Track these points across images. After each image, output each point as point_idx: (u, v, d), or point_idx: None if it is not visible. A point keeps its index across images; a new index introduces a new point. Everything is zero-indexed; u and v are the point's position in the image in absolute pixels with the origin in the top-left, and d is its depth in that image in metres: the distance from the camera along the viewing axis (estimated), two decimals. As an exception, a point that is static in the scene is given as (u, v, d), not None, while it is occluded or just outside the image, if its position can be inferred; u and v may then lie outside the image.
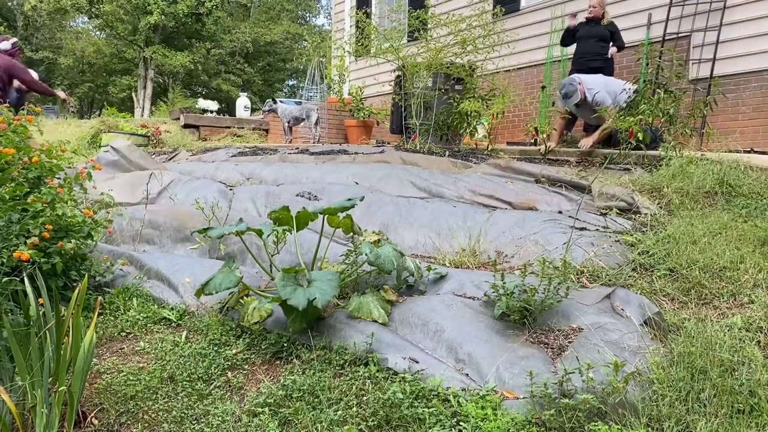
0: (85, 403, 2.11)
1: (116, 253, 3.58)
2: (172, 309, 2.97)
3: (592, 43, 6.49)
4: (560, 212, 4.11)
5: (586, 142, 5.73)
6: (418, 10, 7.37)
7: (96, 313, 2.22)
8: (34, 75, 6.69)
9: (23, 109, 3.45)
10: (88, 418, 2.04)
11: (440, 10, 8.55)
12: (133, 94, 25.51)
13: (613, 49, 6.50)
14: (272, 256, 3.14)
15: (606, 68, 6.36)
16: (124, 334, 2.75)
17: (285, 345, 2.48)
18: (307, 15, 39.70)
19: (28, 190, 2.93)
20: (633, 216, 4.00)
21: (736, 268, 2.90)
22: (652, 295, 2.80)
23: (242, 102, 14.98)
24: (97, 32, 29.97)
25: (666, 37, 6.67)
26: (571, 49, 6.88)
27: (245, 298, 2.80)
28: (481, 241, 3.60)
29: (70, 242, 2.86)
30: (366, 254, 2.65)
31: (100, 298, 2.62)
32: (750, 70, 6.15)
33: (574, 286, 2.76)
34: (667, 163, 4.95)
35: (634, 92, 5.58)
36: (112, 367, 2.40)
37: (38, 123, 3.62)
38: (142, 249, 4.01)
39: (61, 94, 7.80)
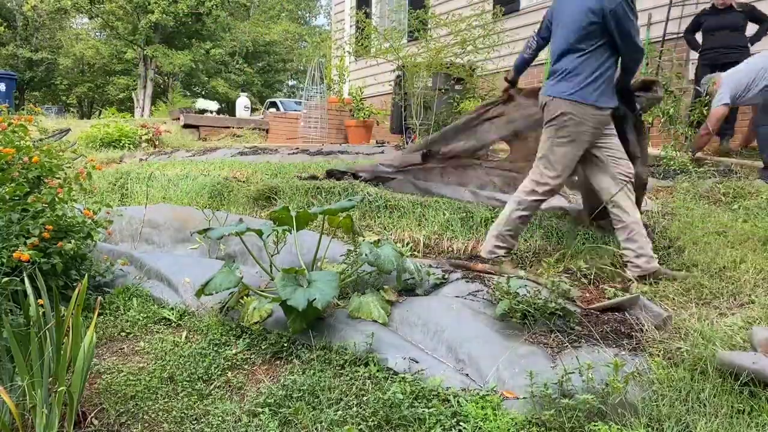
0: (85, 403, 2.11)
1: (116, 253, 3.58)
2: (172, 309, 2.97)
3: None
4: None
5: None
6: (418, 10, 7.38)
7: (96, 313, 2.22)
8: None
9: (23, 109, 3.45)
10: (88, 418, 2.03)
11: (440, 10, 8.55)
12: (133, 94, 25.47)
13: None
14: (272, 256, 3.14)
15: None
16: (124, 334, 2.75)
17: (285, 345, 2.47)
18: (307, 15, 39.71)
19: (28, 190, 2.93)
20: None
21: (737, 268, 2.90)
22: (653, 295, 2.80)
23: (242, 102, 14.97)
24: (97, 33, 29.96)
25: (666, 37, 6.67)
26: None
27: (245, 298, 2.80)
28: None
29: (70, 242, 2.85)
30: (366, 254, 2.65)
31: (100, 298, 2.61)
32: (750, 70, 6.13)
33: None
34: (667, 163, 4.96)
35: None
36: (112, 367, 2.40)
37: (38, 123, 3.62)
38: (142, 249, 4.01)
39: None
